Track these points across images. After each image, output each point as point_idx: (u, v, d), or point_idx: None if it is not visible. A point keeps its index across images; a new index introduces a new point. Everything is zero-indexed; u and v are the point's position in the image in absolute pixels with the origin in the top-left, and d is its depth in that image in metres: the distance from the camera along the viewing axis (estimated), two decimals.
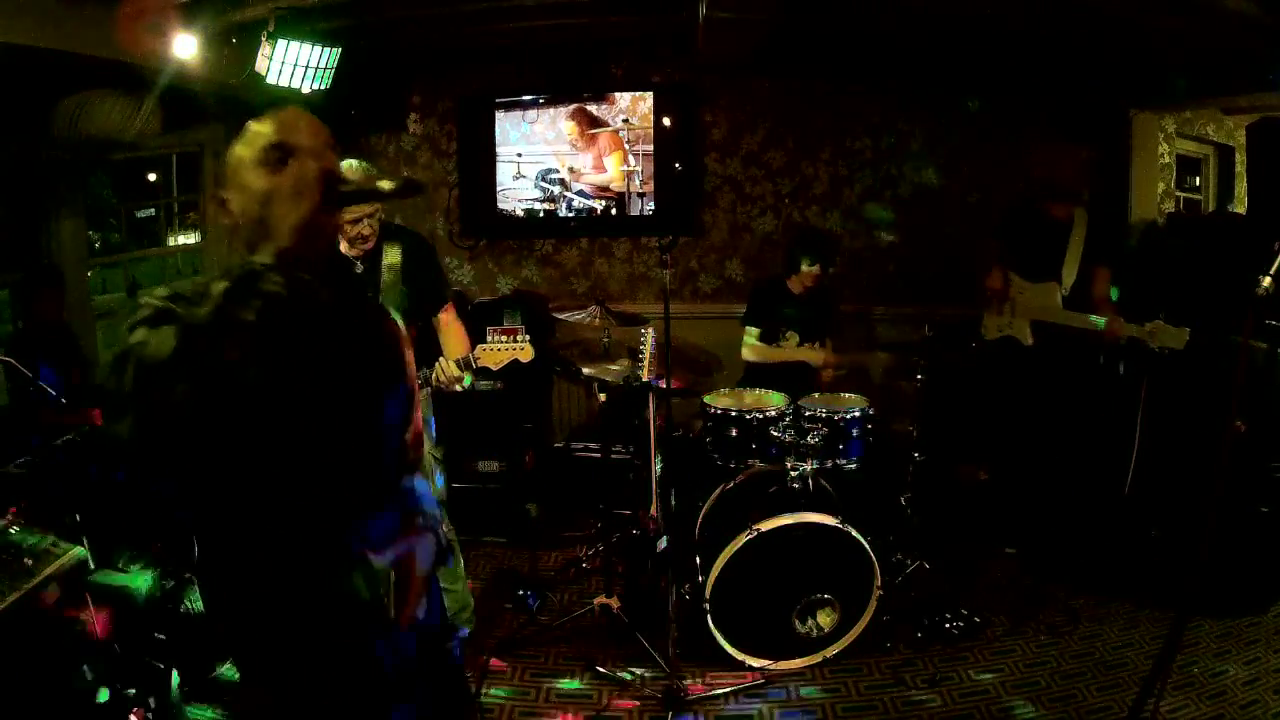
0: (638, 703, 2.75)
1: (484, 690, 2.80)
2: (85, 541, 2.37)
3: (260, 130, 1.25)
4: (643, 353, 3.16)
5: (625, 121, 4.75)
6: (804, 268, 3.70)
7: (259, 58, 3.35)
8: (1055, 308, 3.53)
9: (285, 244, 1.16)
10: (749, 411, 3.29)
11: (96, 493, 2.71)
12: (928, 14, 3.81)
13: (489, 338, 2.72)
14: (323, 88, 3.65)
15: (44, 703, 2.06)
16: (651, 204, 4.79)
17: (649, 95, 4.71)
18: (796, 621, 2.90)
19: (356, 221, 2.53)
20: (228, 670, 2.50)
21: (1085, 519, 3.58)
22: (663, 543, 3.41)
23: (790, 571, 2.88)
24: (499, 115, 4.80)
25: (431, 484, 2.68)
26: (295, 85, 3.51)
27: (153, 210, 5.05)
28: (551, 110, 4.78)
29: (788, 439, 3.13)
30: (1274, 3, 2.97)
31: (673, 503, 3.61)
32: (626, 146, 4.77)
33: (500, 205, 4.88)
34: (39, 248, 3.89)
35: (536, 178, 4.84)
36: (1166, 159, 4.88)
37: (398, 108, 4.90)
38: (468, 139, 4.89)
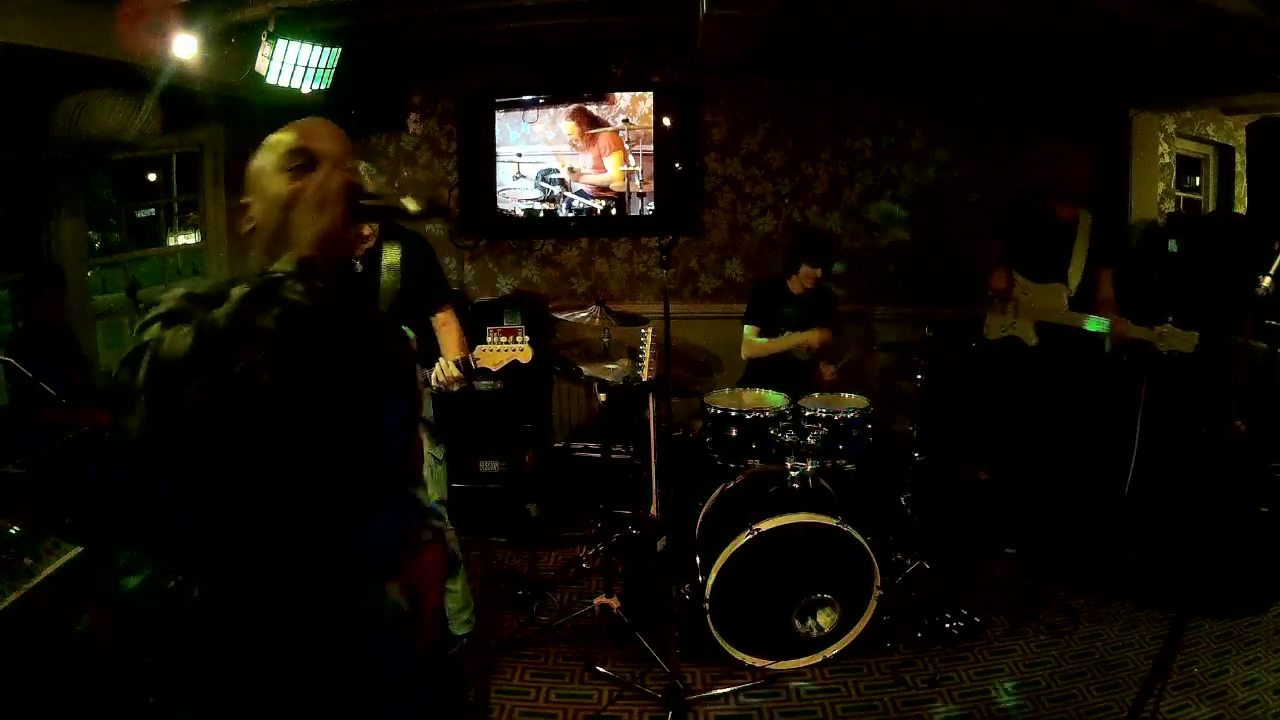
0: (638, 703, 2.75)
1: (483, 690, 2.81)
2: (85, 542, 2.37)
3: (283, 137, 1.25)
4: (643, 353, 3.16)
5: (625, 121, 4.75)
6: (804, 269, 3.70)
7: (259, 58, 3.35)
8: (1062, 309, 3.52)
9: (306, 253, 1.16)
10: (749, 411, 3.29)
11: (96, 493, 2.71)
12: (927, 14, 3.81)
13: (488, 338, 2.72)
14: (323, 88, 3.65)
15: (44, 703, 2.06)
16: (651, 204, 4.79)
17: (649, 95, 4.71)
18: (796, 621, 2.90)
19: None
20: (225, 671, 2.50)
21: (1085, 519, 3.58)
22: (663, 543, 3.41)
23: (790, 571, 2.88)
24: (499, 115, 4.80)
25: (431, 485, 2.69)
26: (295, 85, 3.51)
27: (153, 210, 5.05)
28: (551, 110, 4.78)
29: (788, 439, 3.13)
30: (1274, 3, 2.97)
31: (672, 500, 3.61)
32: (626, 146, 4.77)
33: (500, 205, 4.88)
34: (39, 248, 3.89)
35: (536, 178, 4.84)
36: (1166, 159, 4.88)
37: (398, 108, 4.90)
38: (468, 139, 4.89)
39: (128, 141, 3.74)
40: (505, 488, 4.11)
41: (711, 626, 2.87)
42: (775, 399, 3.44)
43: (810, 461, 3.09)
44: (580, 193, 4.83)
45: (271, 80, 3.40)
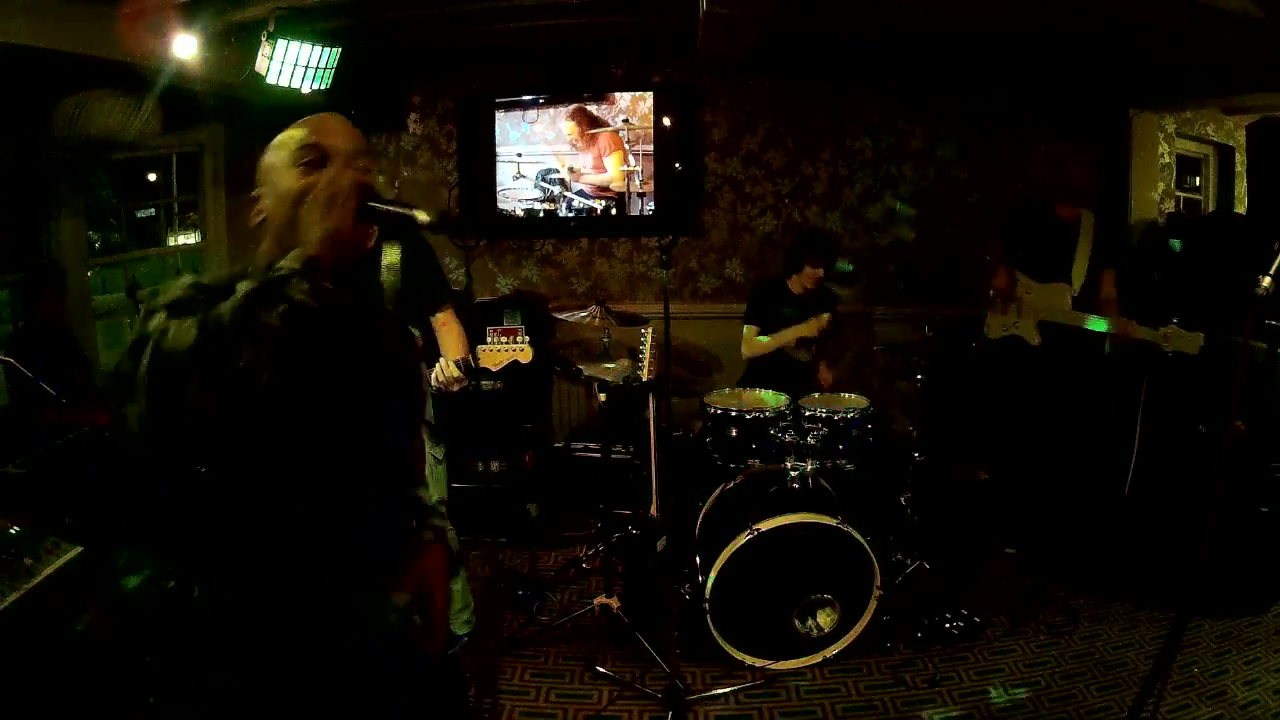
0: (638, 703, 2.75)
1: (483, 690, 2.80)
2: (85, 542, 2.37)
3: (296, 132, 1.24)
4: (643, 353, 3.16)
5: (625, 121, 4.75)
6: (807, 269, 3.69)
7: (259, 58, 3.35)
8: (1066, 308, 3.51)
9: (313, 252, 1.14)
10: (749, 411, 3.29)
11: (96, 493, 2.71)
12: (927, 14, 3.81)
13: (489, 338, 2.72)
14: (323, 88, 3.65)
15: (44, 703, 2.06)
16: (651, 204, 4.79)
17: (649, 95, 4.71)
18: (796, 621, 2.90)
19: None
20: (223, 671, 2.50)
21: (1085, 519, 3.58)
22: (663, 543, 3.41)
23: (790, 571, 2.88)
24: (499, 115, 4.80)
25: (431, 485, 2.69)
26: (295, 85, 3.51)
27: (153, 210, 5.04)
28: (551, 110, 4.78)
29: (788, 439, 3.13)
30: (1274, 3, 2.97)
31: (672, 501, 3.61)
32: (626, 146, 4.77)
33: (500, 205, 4.88)
34: (39, 248, 3.89)
35: (536, 178, 4.84)
36: (1166, 159, 4.88)
37: (398, 108, 4.90)
38: (468, 139, 4.89)
39: (128, 141, 3.74)
40: (505, 488, 4.11)
41: (711, 626, 2.87)
42: (775, 399, 3.44)
43: (810, 461, 3.09)
44: (580, 193, 4.83)
45: (271, 80, 3.40)
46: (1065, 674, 2.83)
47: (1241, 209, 4.97)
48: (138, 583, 2.45)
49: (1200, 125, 5.09)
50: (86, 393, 3.40)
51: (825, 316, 3.70)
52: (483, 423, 4.09)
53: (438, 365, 2.71)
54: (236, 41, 3.42)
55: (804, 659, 2.92)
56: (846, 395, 3.50)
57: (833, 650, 2.94)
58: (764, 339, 3.77)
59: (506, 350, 2.71)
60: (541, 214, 4.87)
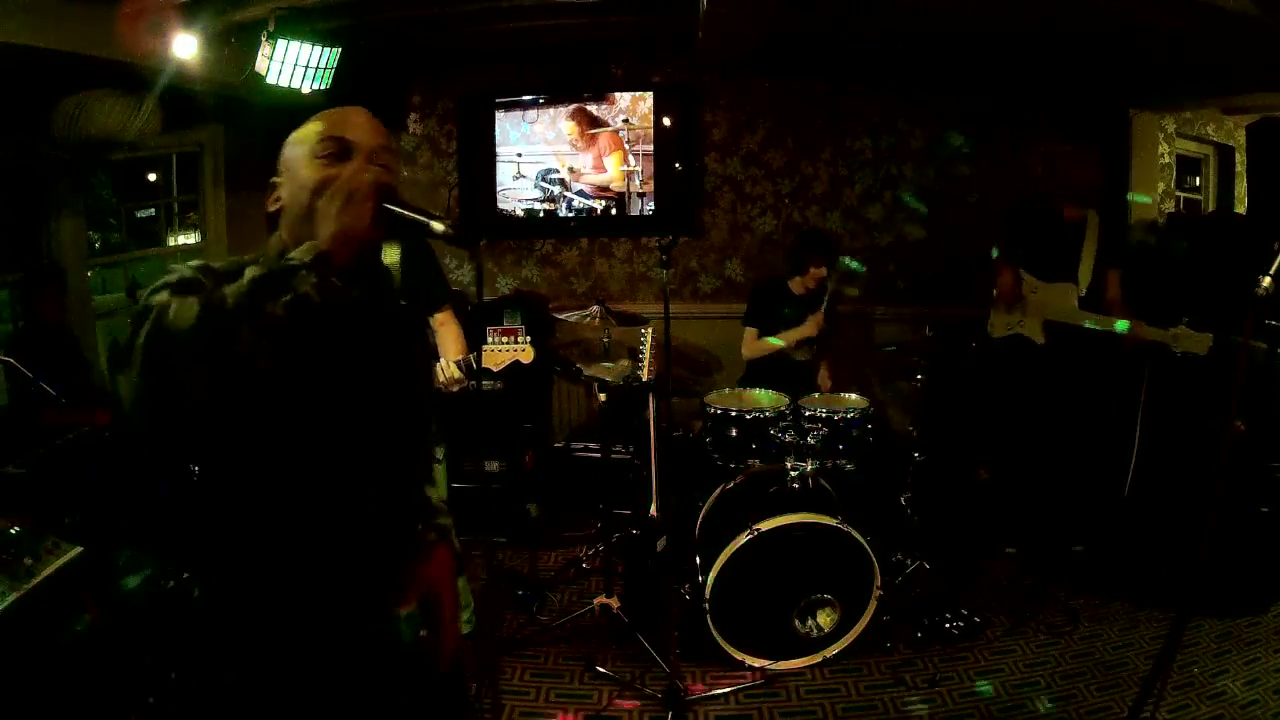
0: (638, 703, 2.75)
1: (484, 690, 2.80)
2: (85, 542, 2.37)
3: (318, 124, 1.23)
4: (643, 353, 3.16)
5: (625, 121, 4.75)
6: (811, 269, 3.69)
7: (259, 58, 3.35)
8: (1073, 309, 3.51)
9: (325, 247, 1.12)
10: (749, 411, 3.29)
11: (96, 493, 2.71)
12: (927, 13, 3.81)
13: (489, 338, 2.72)
14: (323, 88, 3.65)
15: (44, 703, 2.06)
16: (651, 204, 4.79)
17: (649, 95, 4.71)
18: (796, 621, 2.90)
19: None
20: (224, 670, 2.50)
21: (1086, 518, 3.58)
22: (663, 543, 3.41)
23: (790, 571, 2.88)
24: (499, 115, 4.81)
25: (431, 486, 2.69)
26: (295, 85, 3.51)
27: (153, 210, 5.04)
28: (551, 110, 4.78)
29: (788, 439, 3.13)
30: (1274, 3, 2.97)
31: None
32: (626, 146, 4.77)
33: (500, 205, 4.88)
34: (39, 248, 3.89)
35: (536, 178, 4.84)
36: (1166, 159, 4.88)
37: (398, 108, 4.90)
38: (468, 139, 4.89)
39: (128, 141, 3.73)
40: (505, 488, 4.11)
41: (711, 626, 2.87)
42: (775, 399, 3.44)
43: (810, 461, 3.09)
44: (580, 193, 4.83)
45: (271, 80, 3.40)
46: (1065, 674, 2.83)
47: (1241, 209, 4.97)
48: (138, 583, 2.45)
49: (1200, 125, 5.10)
50: (86, 393, 3.40)
51: (819, 317, 3.72)
52: (483, 423, 4.09)
53: (438, 366, 2.72)
54: (236, 41, 3.42)
55: (804, 659, 2.92)
56: (846, 395, 3.51)
57: (833, 650, 2.95)
58: (767, 341, 3.77)
59: (508, 350, 2.71)
60: (541, 214, 4.87)
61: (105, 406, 3.09)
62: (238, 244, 4.65)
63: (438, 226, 1.19)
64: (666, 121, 4.72)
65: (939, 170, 4.72)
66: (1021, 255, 3.63)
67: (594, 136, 4.78)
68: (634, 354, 3.28)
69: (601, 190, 4.82)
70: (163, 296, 1.04)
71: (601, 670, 2.91)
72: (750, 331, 3.81)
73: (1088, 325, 3.41)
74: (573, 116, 4.77)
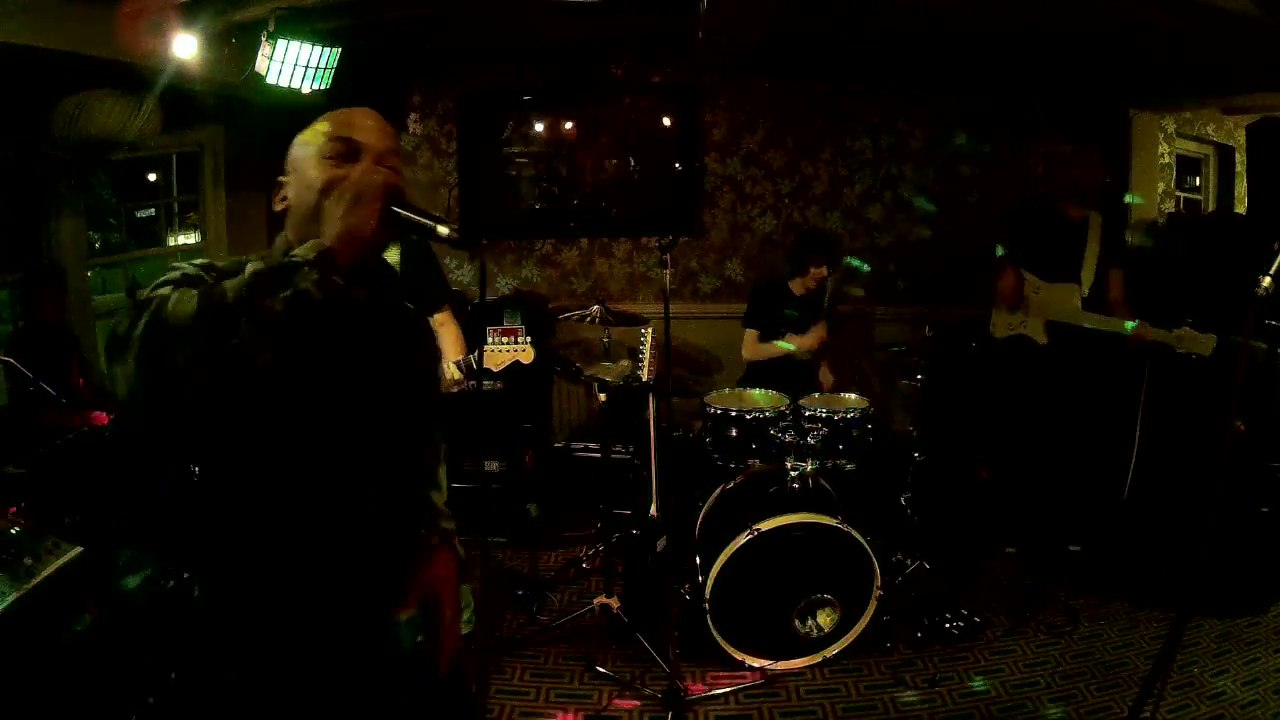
0: (638, 703, 2.74)
1: (484, 690, 2.80)
2: (85, 542, 2.37)
3: (326, 124, 1.23)
4: (643, 353, 3.16)
5: (625, 122, 4.75)
6: (812, 270, 3.69)
7: (259, 58, 3.35)
8: (1075, 310, 3.51)
9: (329, 245, 1.12)
10: (749, 411, 3.29)
11: (96, 493, 2.71)
12: (927, 13, 3.81)
13: (489, 339, 2.71)
14: (323, 88, 3.65)
15: (44, 703, 2.06)
16: (652, 204, 4.79)
17: (649, 95, 4.71)
18: (796, 621, 2.90)
19: None
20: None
21: (1086, 518, 3.58)
22: (663, 543, 3.41)
23: (790, 571, 2.88)
24: (499, 115, 4.80)
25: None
26: (295, 85, 3.51)
27: (153, 210, 5.04)
28: (551, 110, 4.78)
29: (788, 439, 3.13)
30: (1274, 3, 2.97)
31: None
32: (626, 146, 4.77)
33: (500, 205, 4.88)
34: (39, 248, 3.89)
35: (536, 177, 4.84)
36: (1166, 159, 4.88)
37: (398, 108, 4.90)
38: (468, 139, 4.89)
39: (128, 141, 3.74)
40: (505, 488, 4.11)
41: (711, 626, 2.87)
42: (775, 399, 3.44)
43: (810, 461, 3.09)
44: (580, 192, 4.83)
45: (271, 80, 3.40)
46: (1065, 674, 2.83)
47: (1241, 209, 4.97)
48: (138, 583, 2.45)
49: (1200, 125, 5.09)
50: (86, 393, 3.40)
51: (823, 330, 3.72)
52: (483, 423, 4.09)
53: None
54: (236, 41, 3.42)
55: (804, 659, 2.92)
56: (846, 395, 3.50)
57: (833, 650, 2.94)
58: (775, 345, 3.76)
59: (508, 350, 2.71)
60: (542, 214, 4.87)
61: (105, 407, 3.10)
62: (238, 244, 4.66)
63: (443, 230, 1.18)
64: (666, 121, 4.72)
65: (939, 170, 4.72)
66: (1024, 255, 3.63)
67: (594, 136, 4.78)
68: (634, 354, 3.28)
69: (601, 190, 4.82)
70: (164, 291, 1.05)
71: (601, 670, 2.91)
72: (751, 333, 3.81)
73: (1091, 326, 3.41)
74: (572, 116, 4.77)
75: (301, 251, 1.10)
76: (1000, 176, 4.63)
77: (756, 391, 3.56)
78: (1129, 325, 3.33)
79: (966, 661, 2.93)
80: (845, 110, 4.73)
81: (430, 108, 4.94)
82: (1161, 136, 4.80)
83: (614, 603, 3.14)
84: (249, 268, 1.07)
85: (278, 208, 1.25)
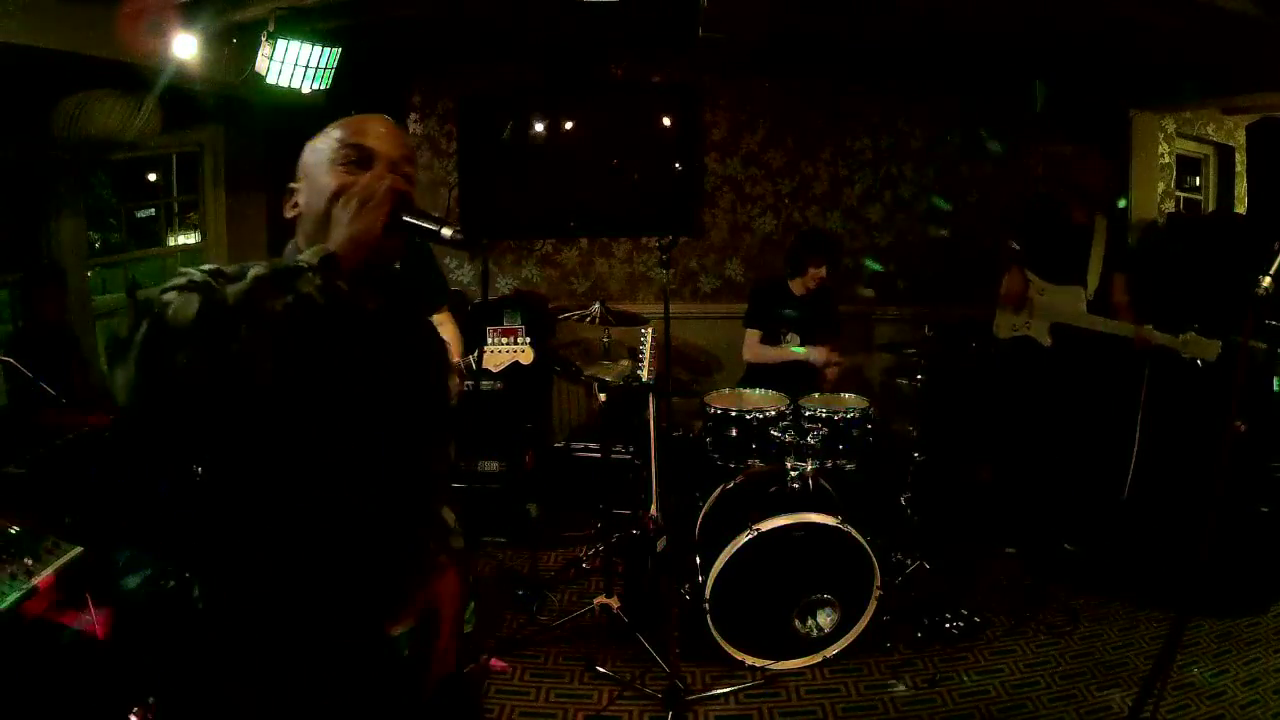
0: (638, 703, 2.75)
1: (485, 690, 2.80)
2: (85, 542, 2.37)
3: (338, 131, 1.23)
4: (643, 353, 3.16)
5: (625, 121, 4.75)
6: (810, 270, 3.69)
7: (259, 58, 3.35)
8: (1080, 312, 3.50)
9: (335, 250, 1.11)
10: (749, 411, 3.29)
11: (96, 493, 2.71)
12: (927, 13, 3.81)
13: (489, 339, 2.71)
14: (323, 88, 3.65)
15: (44, 703, 2.06)
16: (652, 204, 4.79)
17: (649, 95, 4.71)
18: (796, 621, 2.90)
19: None
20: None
21: (1086, 519, 3.58)
22: (663, 543, 3.41)
23: (790, 571, 2.88)
24: (499, 115, 4.80)
25: None
26: (295, 85, 3.51)
27: (153, 210, 5.04)
28: (551, 110, 4.78)
29: (788, 439, 3.13)
30: (1274, 3, 2.97)
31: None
32: (626, 146, 4.77)
33: (500, 205, 4.88)
34: (39, 248, 3.89)
35: (537, 177, 4.84)
36: (1166, 159, 4.88)
37: (398, 108, 4.90)
38: (468, 139, 4.88)
39: (128, 141, 3.73)
40: (505, 488, 4.11)
41: (711, 626, 2.87)
42: (775, 399, 3.44)
43: (810, 461, 3.09)
44: (580, 193, 4.82)
45: (271, 80, 3.40)
46: (1065, 674, 2.83)
47: (1241, 209, 4.97)
48: (138, 583, 2.44)
49: (1200, 125, 5.09)
50: (86, 393, 3.40)
51: (834, 353, 3.71)
52: (483, 423, 4.09)
53: None
54: (236, 41, 3.42)
55: (804, 659, 2.92)
56: (846, 395, 3.50)
57: (833, 650, 2.94)
58: (764, 348, 3.76)
59: (508, 351, 2.71)
60: (542, 214, 4.87)
61: (105, 407, 3.10)
62: (238, 244, 4.65)
63: (447, 233, 1.18)
64: (666, 121, 4.72)
65: (939, 170, 4.72)
66: (1029, 257, 3.63)
67: (594, 136, 4.77)
68: (634, 354, 3.28)
69: (602, 190, 4.82)
70: (169, 295, 1.05)
71: (601, 670, 2.91)
72: (752, 334, 3.81)
73: (1100, 329, 3.41)
74: (573, 116, 4.76)
75: (305, 256, 1.10)
76: (1000, 176, 4.63)
77: (756, 391, 3.57)
78: (1125, 328, 3.33)
79: (966, 661, 2.93)
80: (845, 110, 4.73)
81: (430, 108, 4.94)
82: (1161, 136, 4.80)
83: (614, 603, 3.14)
84: (251, 272, 1.07)
85: (289, 214, 1.25)
